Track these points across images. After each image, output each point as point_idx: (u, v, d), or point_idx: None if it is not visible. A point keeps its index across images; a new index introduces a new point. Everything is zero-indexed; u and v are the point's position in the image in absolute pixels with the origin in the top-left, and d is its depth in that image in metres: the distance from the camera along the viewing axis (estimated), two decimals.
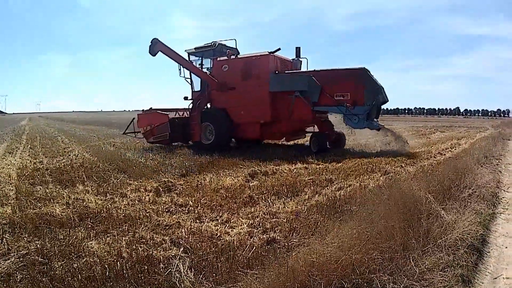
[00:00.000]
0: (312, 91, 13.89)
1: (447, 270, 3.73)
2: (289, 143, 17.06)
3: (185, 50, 16.55)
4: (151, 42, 15.23)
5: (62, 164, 11.02)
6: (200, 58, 16.58)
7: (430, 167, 9.21)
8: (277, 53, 14.86)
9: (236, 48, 16.34)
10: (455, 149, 14.38)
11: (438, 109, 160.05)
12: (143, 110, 17.44)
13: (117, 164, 10.74)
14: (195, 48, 16.46)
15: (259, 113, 14.77)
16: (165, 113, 16.53)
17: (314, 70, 14.57)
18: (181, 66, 16.12)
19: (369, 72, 13.26)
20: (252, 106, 14.83)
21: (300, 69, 15.67)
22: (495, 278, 3.99)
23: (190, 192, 7.53)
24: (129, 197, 7.22)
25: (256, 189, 7.71)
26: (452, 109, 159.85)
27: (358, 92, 13.26)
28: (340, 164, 10.54)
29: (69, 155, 13.24)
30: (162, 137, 16.09)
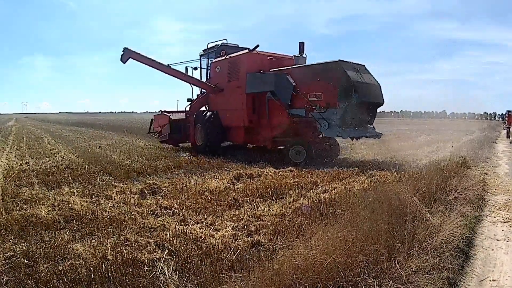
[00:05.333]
0: (283, 92, 12.27)
1: (433, 273, 3.72)
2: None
3: (199, 53, 16.53)
4: (122, 51, 15.18)
5: (48, 166, 10.99)
6: (207, 60, 16.28)
7: (415, 170, 9.22)
8: (263, 50, 13.71)
9: (241, 47, 15.20)
10: (441, 152, 14.44)
11: (424, 112, 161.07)
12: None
13: (103, 166, 10.71)
14: (203, 50, 16.32)
15: (239, 117, 13.81)
16: (168, 114, 16.84)
17: (290, 67, 12.88)
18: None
19: (348, 65, 11.36)
20: (234, 109, 14.03)
21: None
22: (482, 281, 4.01)
23: (175, 195, 7.48)
24: (114, 199, 7.17)
25: (241, 191, 7.69)
26: (438, 112, 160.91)
27: (332, 91, 11.17)
28: (325, 167, 10.54)
29: (55, 157, 13.21)
30: (164, 137, 16.68)
